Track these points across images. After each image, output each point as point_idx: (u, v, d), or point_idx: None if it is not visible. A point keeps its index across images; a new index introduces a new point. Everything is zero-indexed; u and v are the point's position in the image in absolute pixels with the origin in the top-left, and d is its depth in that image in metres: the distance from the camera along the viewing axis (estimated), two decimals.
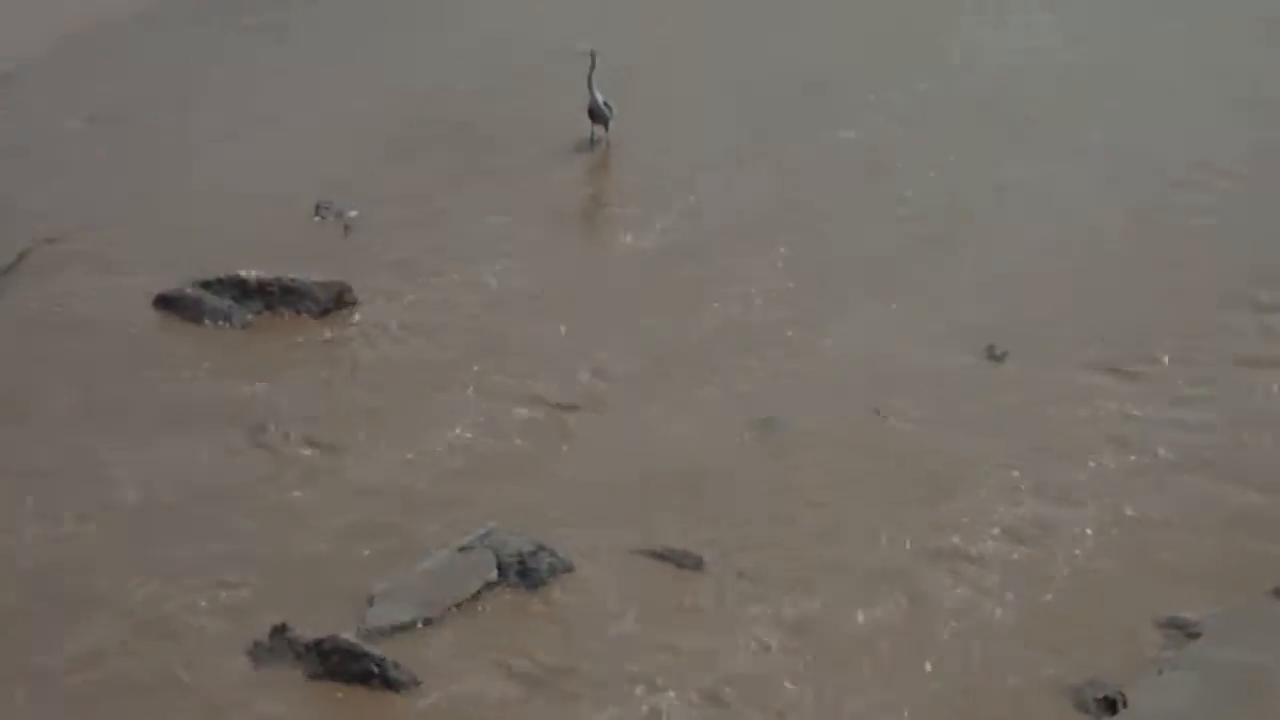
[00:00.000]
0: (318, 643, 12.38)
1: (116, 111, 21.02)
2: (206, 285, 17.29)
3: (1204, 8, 25.23)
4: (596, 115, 20.21)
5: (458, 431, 15.36)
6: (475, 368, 16.31)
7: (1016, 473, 14.73)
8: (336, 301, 17.32)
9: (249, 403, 15.75)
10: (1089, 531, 13.93)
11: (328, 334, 16.97)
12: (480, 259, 18.14)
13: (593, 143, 20.38)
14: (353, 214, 18.93)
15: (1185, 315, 17.21)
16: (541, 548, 13.45)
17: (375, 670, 12.23)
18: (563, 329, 16.95)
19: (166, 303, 17.28)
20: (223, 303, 17.18)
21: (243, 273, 17.35)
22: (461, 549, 13.48)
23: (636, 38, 23.42)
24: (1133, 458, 15.01)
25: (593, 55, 20.00)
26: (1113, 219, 19.29)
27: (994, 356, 16.55)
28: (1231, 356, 16.49)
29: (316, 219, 18.88)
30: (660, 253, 18.55)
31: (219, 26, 23.54)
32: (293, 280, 17.36)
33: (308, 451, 15.04)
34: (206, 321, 17.09)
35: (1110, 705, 12.01)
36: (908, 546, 13.72)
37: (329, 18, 23.56)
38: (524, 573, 13.30)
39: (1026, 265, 18.26)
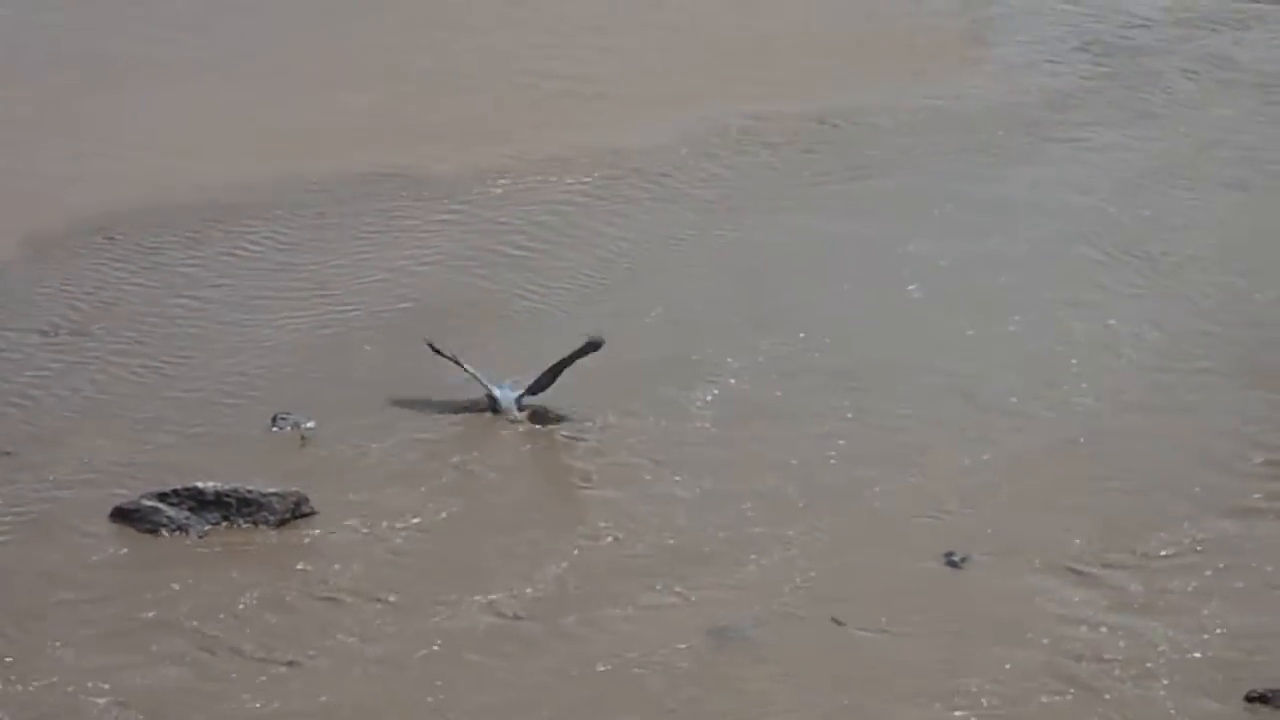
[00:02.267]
0: None
1: (74, 324, 21.04)
2: (163, 497, 17.25)
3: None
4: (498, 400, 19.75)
5: (411, 649, 15.31)
6: (429, 580, 16.32)
7: (974, 685, 14.73)
8: (294, 512, 17.29)
9: (205, 612, 15.69)
10: None
11: (285, 545, 16.92)
12: (435, 481, 18.09)
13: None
14: (309, 425, 18.93)
15: (1153, 517, 17.28)
16: None
17: None
18: (512, 542, 16.98)
19: (123, 515, 17.23)
20: (180, 514, 17.14)
21: (200, 484, 17.32)
22: None
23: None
24: (1089, 666, 15.05)
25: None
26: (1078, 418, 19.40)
27: (952, 563, 16.58)
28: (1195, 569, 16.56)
29: (274, 429, 18.88)
30: (604, 468, 18.50)
31: (176, 240, 23.61)
32: (250, 491, 17.34)
33: (264, 665, 14.97)
34: (163, 533, 17.03)
35: None
36: None
37: (287, 232, 23.68)
38: None
39: (986, 467, 18.31)
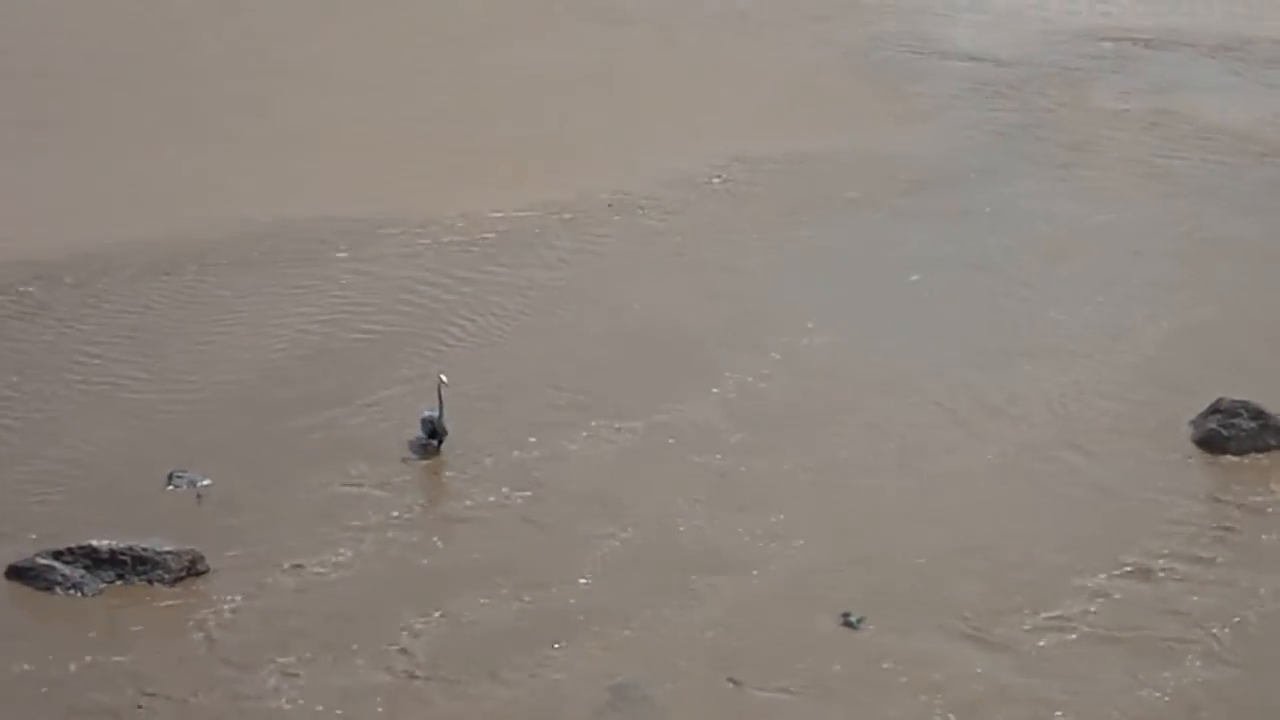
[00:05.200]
0: None
1: None
2: (58, 555, 17.16)
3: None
4: (436, 431, 19.86)
5: (305, 710, 15.29)
6: (323, 638, 16.30)
7: None
8: (189, 570, 17.22)
9: (104, 675, 15.66)
10: None
11: (180, 604, 16.84)
12: (329, 536, 18.06)
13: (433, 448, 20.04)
14: (205, 483, 18.86)
15: (1043, 582, 17.41)
16: None
17: None
18: (407, 599, 16.97)
19: (18, 573, 17.12)
20: (75, 572, 17.04)
21: (95, 542, 17.24)
22: None
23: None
24: None
25: (441, 383, 19.77)
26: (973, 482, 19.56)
27: (849, 624, 16.68)
28: (1088, 627, 16.71)
29: (169, 488, 18.79)
30: (500, 520, 18.55)
31: (71, 297, 23.49)
32: (145, 549, 17.27)
33: None
34: (58, 591, 16.92)
35: None
36: None
37: (182, 289, 23.57)
38: None
39: (883, 531, 18.42)
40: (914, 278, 24.39)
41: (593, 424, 20.30)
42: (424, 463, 19.47)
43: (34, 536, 17.57)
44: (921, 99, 31.31)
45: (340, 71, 32.41)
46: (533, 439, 19.95)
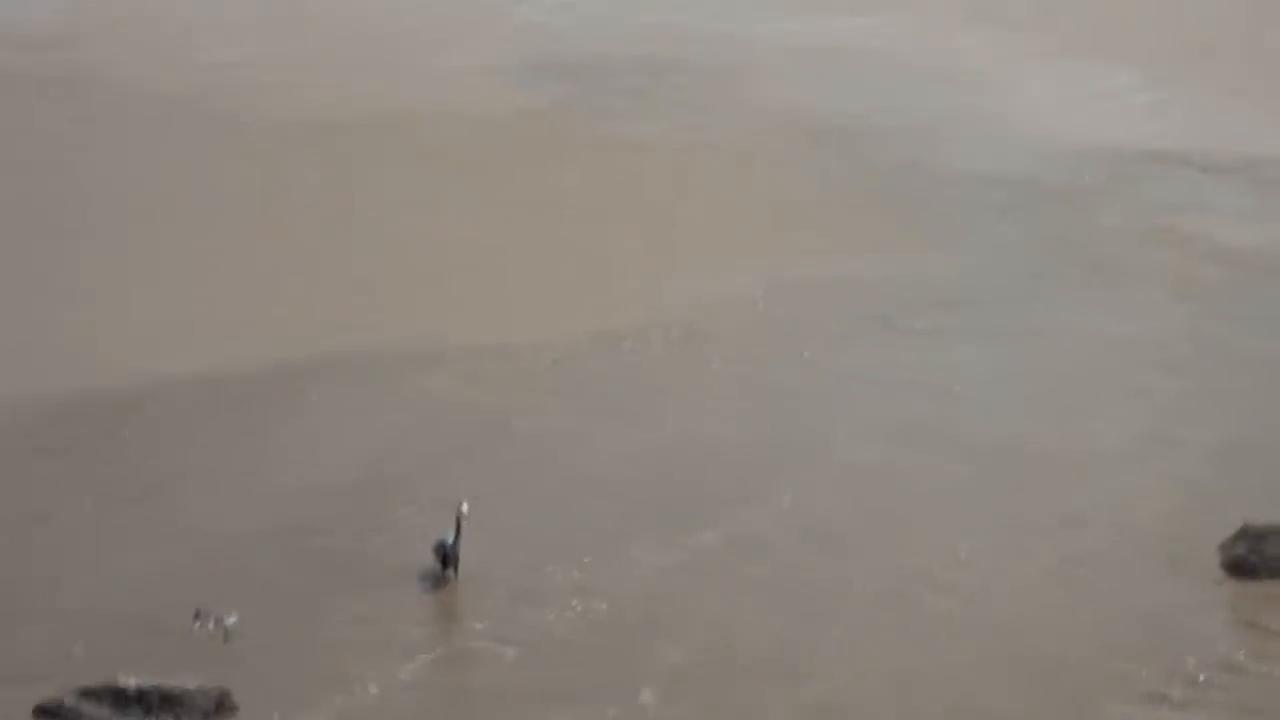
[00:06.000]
0: None
1: None
2: (85, 694, 17.10)
3: None
4: (448, 558, 19.90)
5: None
6: None
7: None
8: (217, 708, 17.17)
9: None
10: None
11: None
12: (355, 673, 17.96)
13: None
14: (231, 620, 18.79)
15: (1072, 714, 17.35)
16: None
17: None
18: None
19: (45, 713, 17.06)
20: (101, 712, 16.98)
21: (121, 681, 17.17)
22: None
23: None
24: None
25: (461, 512, 19.83)
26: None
27: None
28: None
29: (195, 625, 18.72)
30: (550, 642, 18.59)
31: (91, 433, 23.51)
32: (171, 687, 17.20)
33: None
34: None
35: None
36: None
37: (207, 423, 23.61)
38: None
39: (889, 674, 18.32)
40: (956, 388, 24.76)
41: (644, 540, 20.48)
42: (451, 588, 19.50)
43: (61, 676, 17.43)
44: (934, 223, 31.41)
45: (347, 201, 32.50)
46: (585, 559, 20.08)
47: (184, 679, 17.32)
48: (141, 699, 17.11)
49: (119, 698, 17.11)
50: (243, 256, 29.69)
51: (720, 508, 21.29)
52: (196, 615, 18.84)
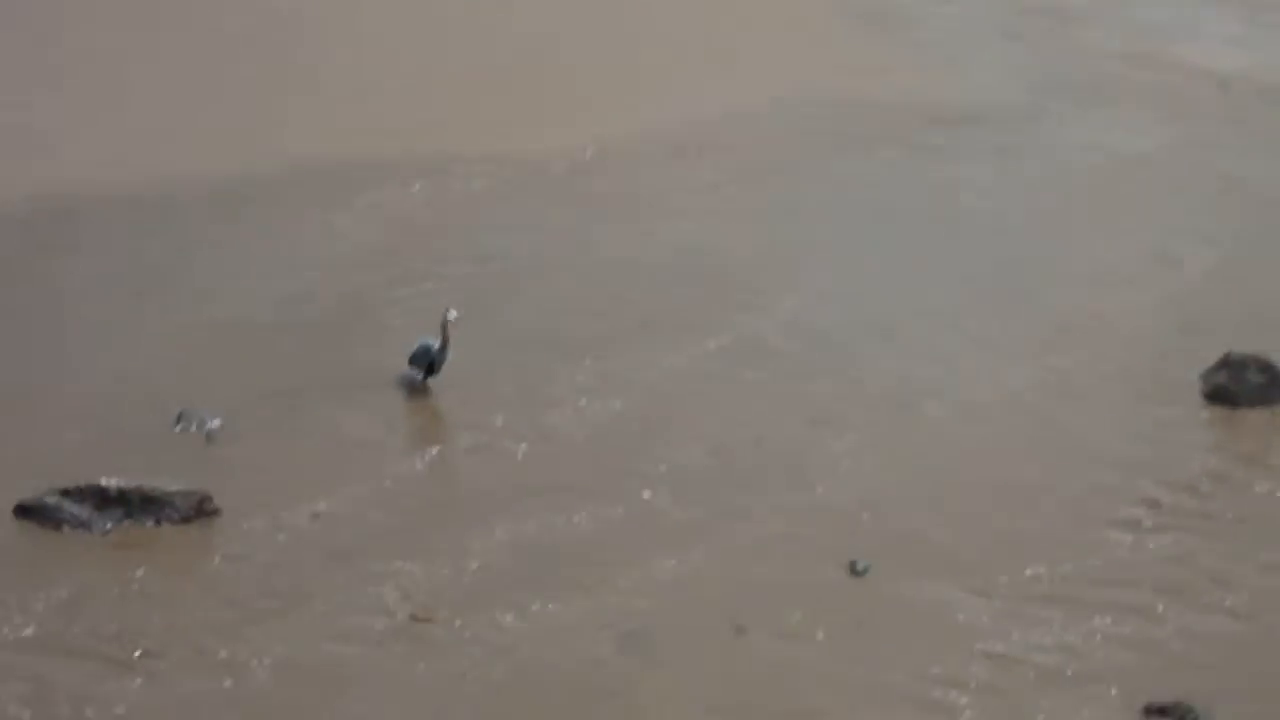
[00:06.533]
0: None
1: None
2: (66, 494, 17.17)
3: None
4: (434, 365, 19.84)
5: (309, 652, 15.39)
6: (329, 580, 16.37)
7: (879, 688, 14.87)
8: (197, 511, 17.24)
9: (112, 612, 15.78)
10: None
11: (188, 544, 16.86)
12: (338, 478, 18.06)
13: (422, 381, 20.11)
14: (215, 423, 18.86)
15: (1053, 532, 17.44)
16: None
17: None
18: (420, 545, 16.96)
19: (26, 511, 17.16)
20: (82, 511, 17.06)
21: (103, 481, 17.25)
22: None
23: None
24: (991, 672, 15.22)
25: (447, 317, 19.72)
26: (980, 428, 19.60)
27: (856, 571, 16.70)
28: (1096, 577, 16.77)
29: (178, 427, 18.79)
30: (550, 445, 18.74)
31: (75, 238, 23.46)
32: (153, 489, 17.28)
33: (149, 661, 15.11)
34: (65, 529, 16.95)
35: None
36: None
37: (191, 227, 23.57)
38: None
39: (888, 477, 18.45)
40: (959, 204, 25.02)
41: (650, 344, 20.69)
42: (440, 392, 19.64)
43: (43, 476, 17.49)
44: (923, 44, 31.38)
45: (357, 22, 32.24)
46: (587, 361, 20.26)
47: (165, 482, 17.38)
48: (123, 499, 17.17)
49: (100, 497, 17.17)
50: (254, 62, 29.62)
51: (726, 314, 21.50)
52: (179, 418, 18.90)
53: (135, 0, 32.33)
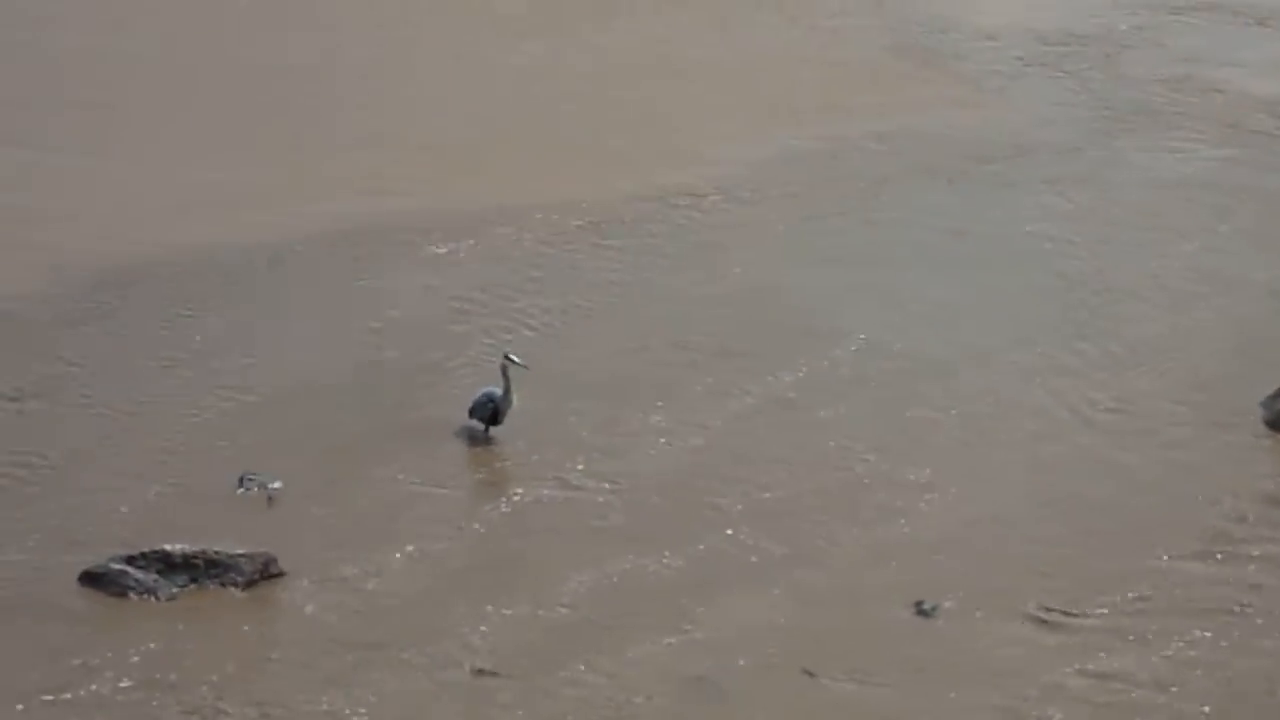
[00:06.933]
0: None
1: (40, 389, 20.93)
2: (131, 560, 17.21)
3: None
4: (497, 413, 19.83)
5: (384, 709, 15.41)
6: (397, 640, 16.35)
7: None
8: (262, 574, 17.26)
9: (183, 677, 15.80)
10: None
11: (255, 607, 16.90)
12: (403, 533, 18.08)
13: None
14: (276, 485, 18.89)
15: (1122, 564, 17.41)
16: None
17: None
18: (493, 596, 16.98)
19: (92, 579, 17.19)
20: (148, 577, 17.09)
21: (167, 546, 17.28)
22: None
23: None
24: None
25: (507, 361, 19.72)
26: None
27: (923, 612, 16.63)
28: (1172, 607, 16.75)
29: (240, 491, 18.84)
30: (580, 505, 18.67)
31: (135, 303, 23.52)
32: (217, 553, 17.30)
33: None
34: (132, 596, 16.99)
35: None
36: None
37: (250, 291, 23.61)
38: None
39: (961, 513, 18.40)
40: (1028, 229, 25.37)
41: (718, 383, 20.85)
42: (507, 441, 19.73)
43: (107, 544, 17.57)
44: (972, 78, 31.49)
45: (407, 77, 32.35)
46: (659, 402, 20.36)
47: (229, 545, 17.40)
48: (188, 564, 17.20)
49: (165, 563, 17.19)
50: (291, 124, 29.64)
51: (797, 350, 21.59)
52: (241, 481, 18.95)
53: (173, 62, 32.44)
